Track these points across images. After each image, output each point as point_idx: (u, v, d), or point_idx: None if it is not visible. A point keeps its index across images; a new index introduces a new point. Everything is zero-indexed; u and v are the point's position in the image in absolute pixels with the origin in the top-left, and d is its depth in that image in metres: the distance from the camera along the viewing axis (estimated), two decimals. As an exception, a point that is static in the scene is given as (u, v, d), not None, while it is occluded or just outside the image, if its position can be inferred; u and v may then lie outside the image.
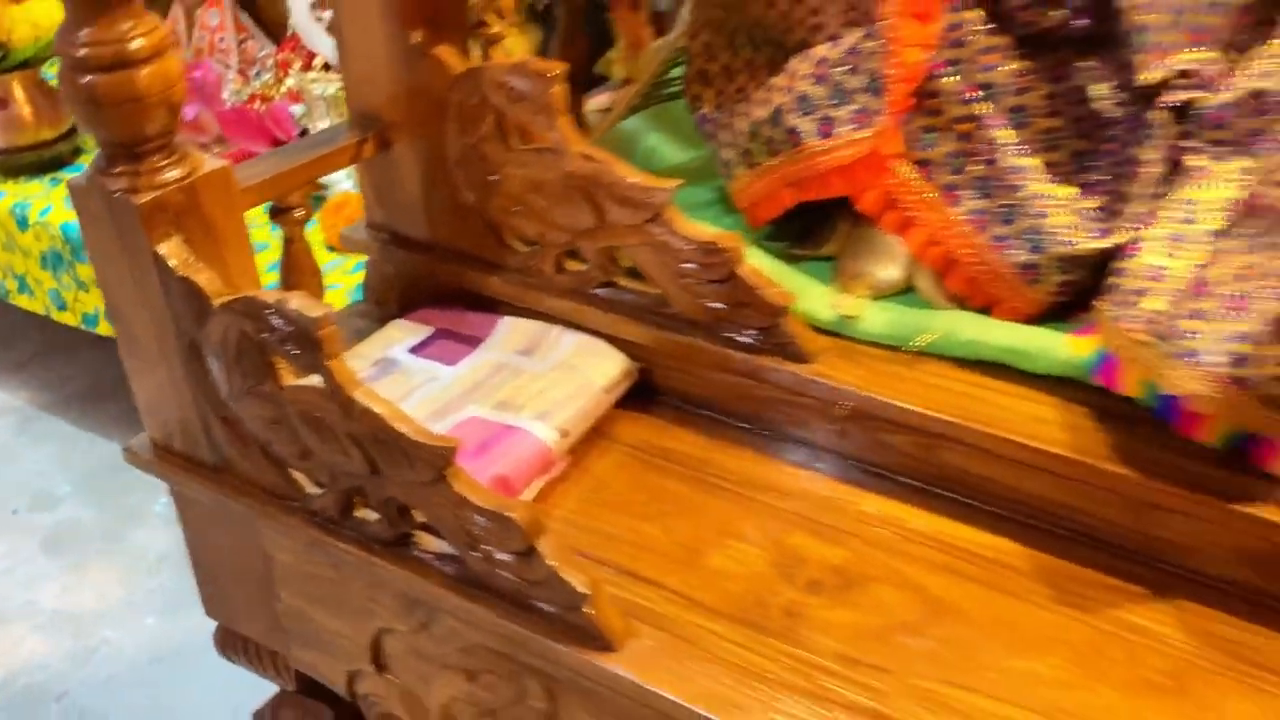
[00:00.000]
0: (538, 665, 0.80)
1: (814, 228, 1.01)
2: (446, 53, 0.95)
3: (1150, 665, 0.74)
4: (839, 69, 0.90)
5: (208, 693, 1.25)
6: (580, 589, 0.74)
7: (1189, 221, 0.79)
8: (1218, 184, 0.80)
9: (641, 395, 0.98)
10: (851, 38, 0.90)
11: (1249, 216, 0.75)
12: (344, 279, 1.46)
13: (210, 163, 0.82)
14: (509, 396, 0.92)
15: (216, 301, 0.79)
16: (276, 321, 0.76)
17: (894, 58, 0.86)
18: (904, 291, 0.96)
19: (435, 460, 0.74)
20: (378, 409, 0.75)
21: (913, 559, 0.82)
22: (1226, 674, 0.73)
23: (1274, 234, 0.72)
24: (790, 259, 1.00)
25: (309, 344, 0.75)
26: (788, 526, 0.85)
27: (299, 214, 0.98)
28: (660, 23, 1.35)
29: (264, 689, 1.08)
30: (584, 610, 0.74)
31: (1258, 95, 0.79)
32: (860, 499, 0.87)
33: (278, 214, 0.99)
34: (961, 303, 0.92)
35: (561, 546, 0.76)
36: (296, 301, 0.75)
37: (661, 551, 0.84)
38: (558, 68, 0.90)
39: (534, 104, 0.91)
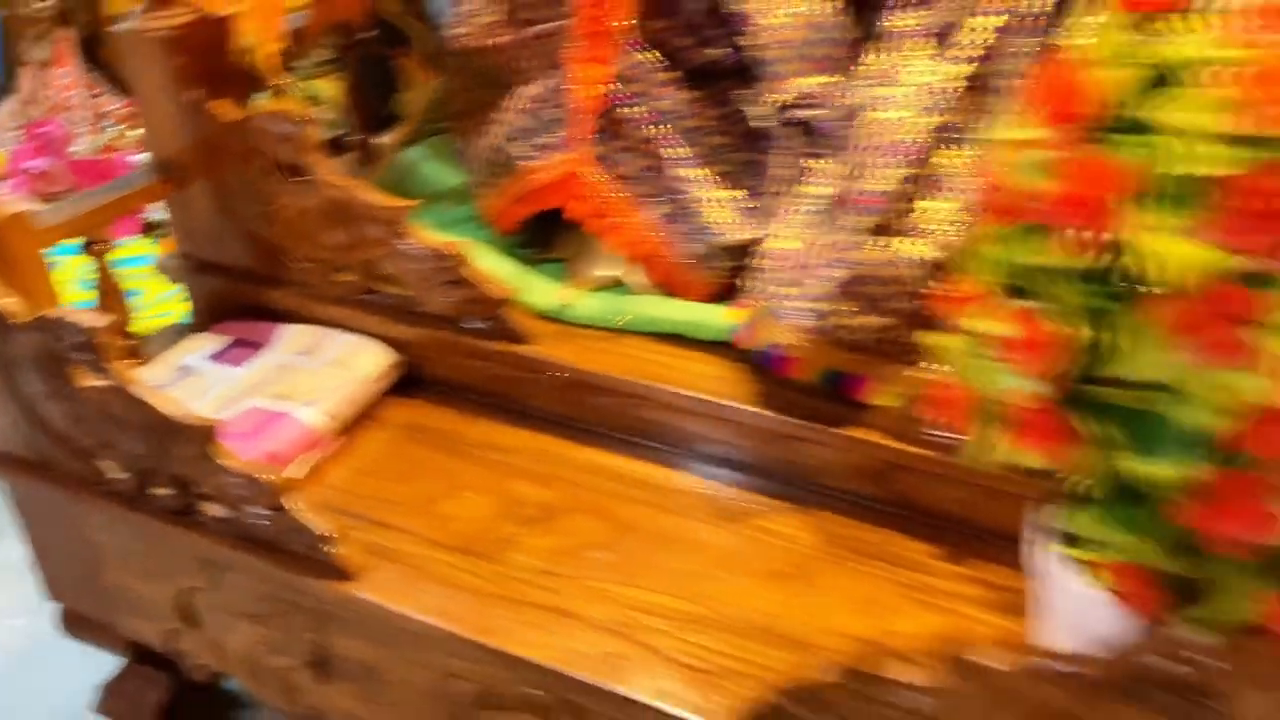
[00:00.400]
0: (303, 602, 0.98)
1: (553, 234, 1.21)
2: (221, 106, 1.13)
3: (780, 560, 0.94)
4: (542, 105, 1.10)
5: (72, 675, 1.40)
6: (323, 532, 0.92)
7: (806, 212, 1.00)
8: (828, 182, 1.00)
9: (411, 384, 1.16)
10: (551, 80, 1.10)
11: (836, 206, 0.95)
12: (180, 306, 1.62)
13: (10, 207, 0.99)
14: (285, 390, 1.10)
15: (19, 322, 0.96)
16: (68, 334, 0.94)
17: (575, 95, 1.06)
18: (621, 283, 1.16)
19: (199, 438, 0.92)
20: (149, 399, 0.92)
21: (609, 494, 1.01)
22: (839, 562, 0.93)
23: (844, 218, 0.93)
24: (533, 262, 1.20)
25: (94, 350, 0.93)
26: (513, 477, 1.04)
27: (100, 247, 1.14)
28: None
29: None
30: (328, 550, 0.92)
31: (854, 109, 1.00)
32: (574, 451, 1.06)
33: (89, 247, 1.16)
34: (660, 289, 1.12)
35: (311, 501, 0.95)
36: (80, 316, 0.92)
37: (408, 505, 1.02)
38: (308, 115, 1.08)
39: (292, 145, 1.10)
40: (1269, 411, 0.49)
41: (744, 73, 1.09)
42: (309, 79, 1.75)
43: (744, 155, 1.10)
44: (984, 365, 0.59)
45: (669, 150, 1.08)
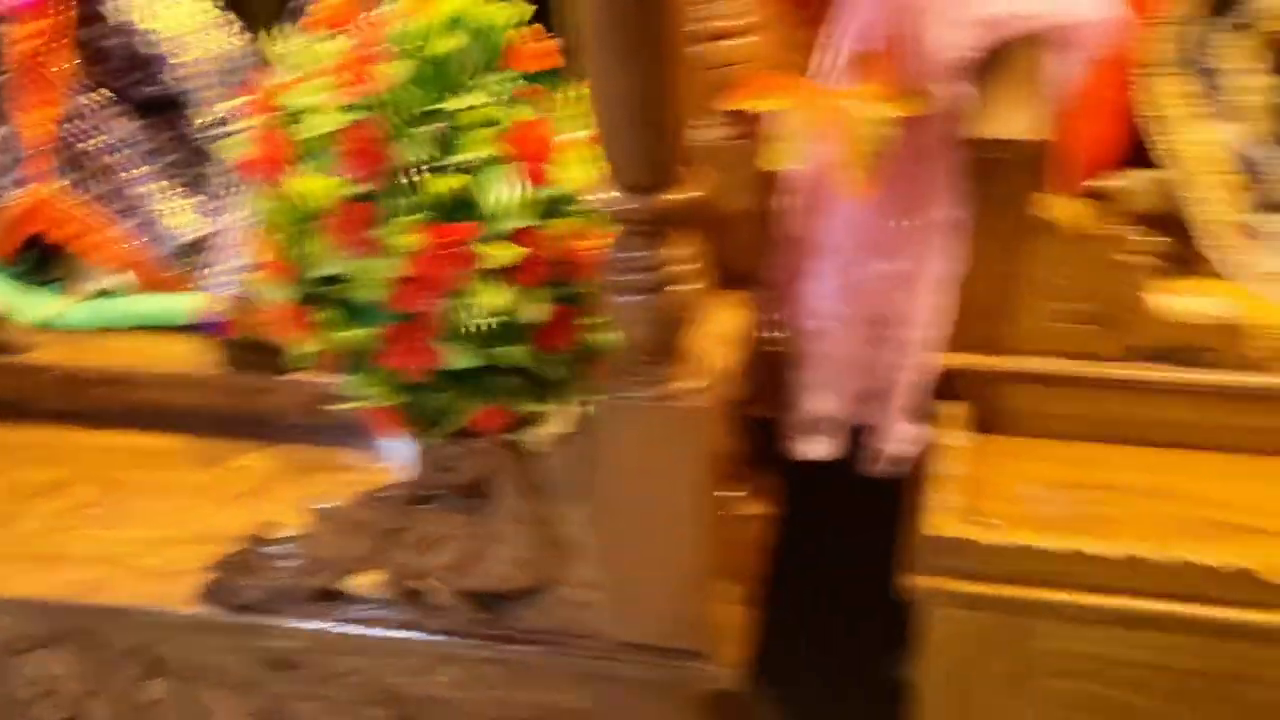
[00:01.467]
0: None
1: (53, 258, 1.38)
2: None
3: (244, 486, 1.17)
4: (3, 149, 1.28)
5: None
6: None
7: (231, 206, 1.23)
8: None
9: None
10: (4, 129, 1.28)
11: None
12: None
13: None
14: None
15: None
16: None
17: (28, 136, 1.25)
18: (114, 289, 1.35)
19: None
20: None
21: (108, 464, 1.21)
22: (290, 479, 1.17)
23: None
24: (36, 284, 1.37)
25: None
26: (25, 465, 1.22)
27: None
28: None
29: None
30: None
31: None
32: (81, 436, 1.25)
33: None
34: (145, 290, 1.32)
35: None
36: None
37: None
38: None
39: None
40: (399, 281, 0.76)
41: (189, 98, 1.31)
42: None
43: (194, 169, 1.33)
44: (267, 286, 0.84)
45: (127, 172, 1.29)
